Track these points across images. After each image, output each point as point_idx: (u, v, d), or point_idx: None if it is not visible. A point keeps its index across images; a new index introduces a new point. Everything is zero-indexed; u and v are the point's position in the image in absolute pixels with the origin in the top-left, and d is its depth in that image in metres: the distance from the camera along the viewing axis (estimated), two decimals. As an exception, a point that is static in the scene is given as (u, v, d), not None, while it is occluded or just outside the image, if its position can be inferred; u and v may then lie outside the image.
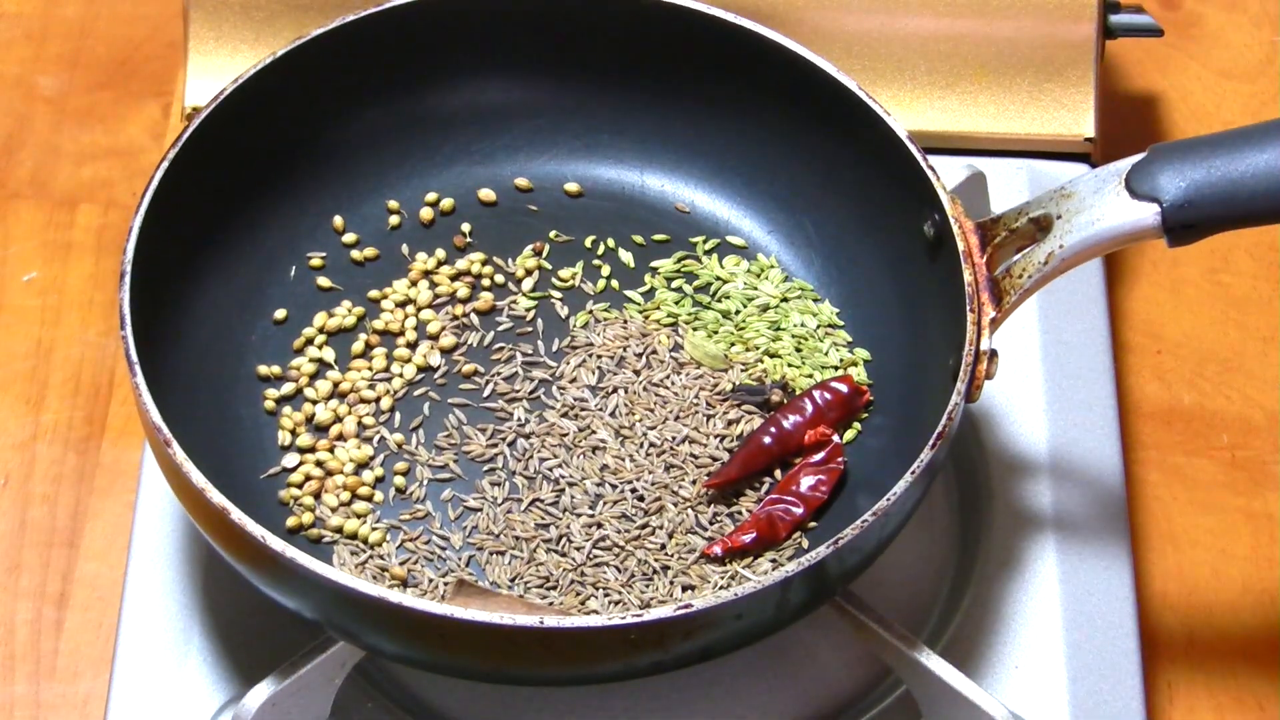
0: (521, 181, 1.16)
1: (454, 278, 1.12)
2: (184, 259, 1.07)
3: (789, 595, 0.95)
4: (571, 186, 1.16)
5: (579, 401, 1.07)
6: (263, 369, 1.08)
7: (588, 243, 1.14)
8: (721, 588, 1.00)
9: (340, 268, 1.13)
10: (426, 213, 1.14)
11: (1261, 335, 1.23)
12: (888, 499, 0.95)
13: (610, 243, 1.14)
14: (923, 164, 1.05)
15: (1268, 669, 1.11)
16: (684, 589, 1.01)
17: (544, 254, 1.14)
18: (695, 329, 1.10)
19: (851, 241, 1.12)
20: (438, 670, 1.01)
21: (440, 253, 1.13)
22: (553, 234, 1.14)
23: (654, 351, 1.09)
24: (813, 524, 1.03)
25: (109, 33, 1.34)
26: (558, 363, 1.09)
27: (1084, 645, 1.06)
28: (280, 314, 1.10)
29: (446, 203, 1.15)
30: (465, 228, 1.14)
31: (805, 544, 1.03)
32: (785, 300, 1.11)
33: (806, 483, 1.03)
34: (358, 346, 1.10)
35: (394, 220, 1.14)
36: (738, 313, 1.11)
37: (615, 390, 1.08)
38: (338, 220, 1.13)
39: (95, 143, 1.30)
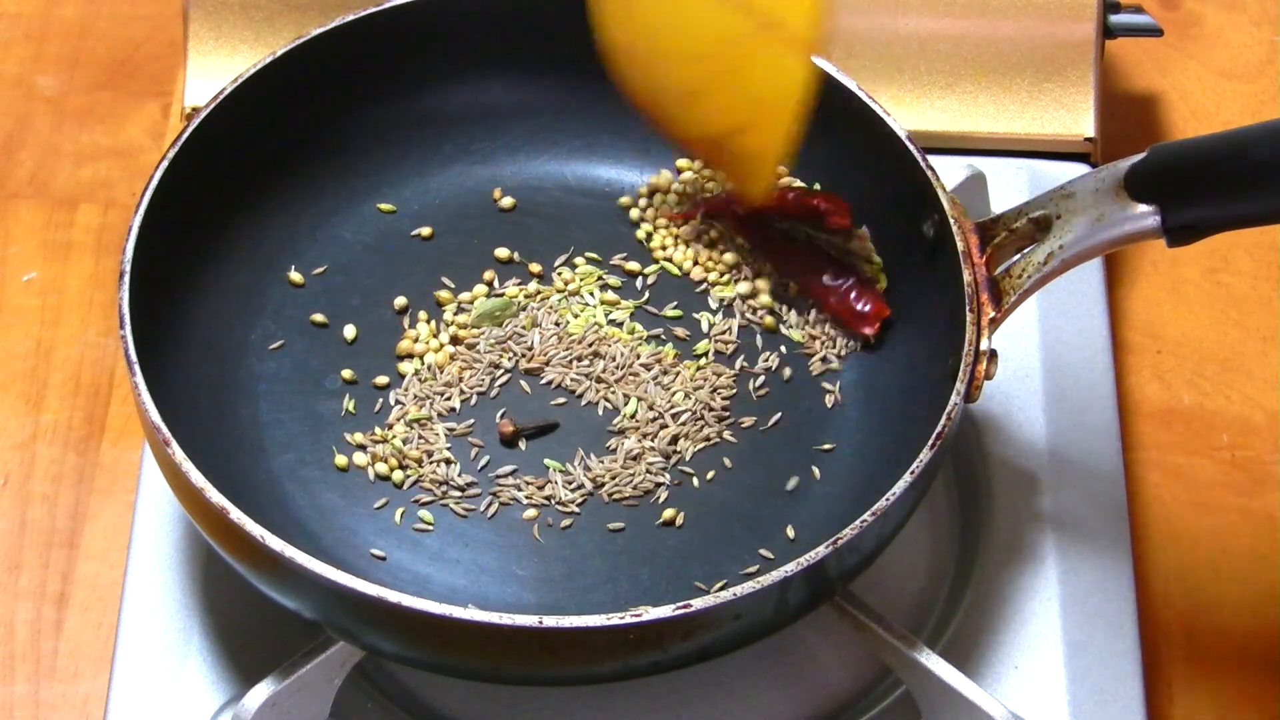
0: (521, 182, 1.16)
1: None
2: (184, 259, 1.07)
3: (788, 595, 0.95)
4: (571, 186, 1.16)
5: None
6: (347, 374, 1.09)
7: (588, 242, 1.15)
8: (720, 588, 1.00)
9: (340, 267, 1.13)
10: (426, 219, 1.15)
11: (1261, 335, 1.23)
12: (887, 499, 0.95)
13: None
14: (923, 164, 1.05)
15: (1268, 669, 1.11)
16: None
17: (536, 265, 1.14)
18: None
19: (851, 241, 1.12)
20: (438, 670, 1.01)
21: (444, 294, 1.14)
22: (556, 233, 1.15)
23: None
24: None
25: (109, 33, 1.34)
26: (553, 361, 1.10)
27: (1084, 645, 1.06)
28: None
29: (443, 204, 1.15)
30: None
31: (792, 534, 1.03)
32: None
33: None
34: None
35: (394, 220, 1.14)
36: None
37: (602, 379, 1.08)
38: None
39: (95, 143, 1.30)
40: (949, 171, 1.12)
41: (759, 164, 1.04)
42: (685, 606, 0.92)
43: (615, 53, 1.03)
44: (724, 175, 1.09)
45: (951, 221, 1.03)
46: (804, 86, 1.00)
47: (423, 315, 1.11)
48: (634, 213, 1.15)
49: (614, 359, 1.09)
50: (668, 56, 1.02)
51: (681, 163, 1.15)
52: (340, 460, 1.06)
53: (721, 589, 0.97)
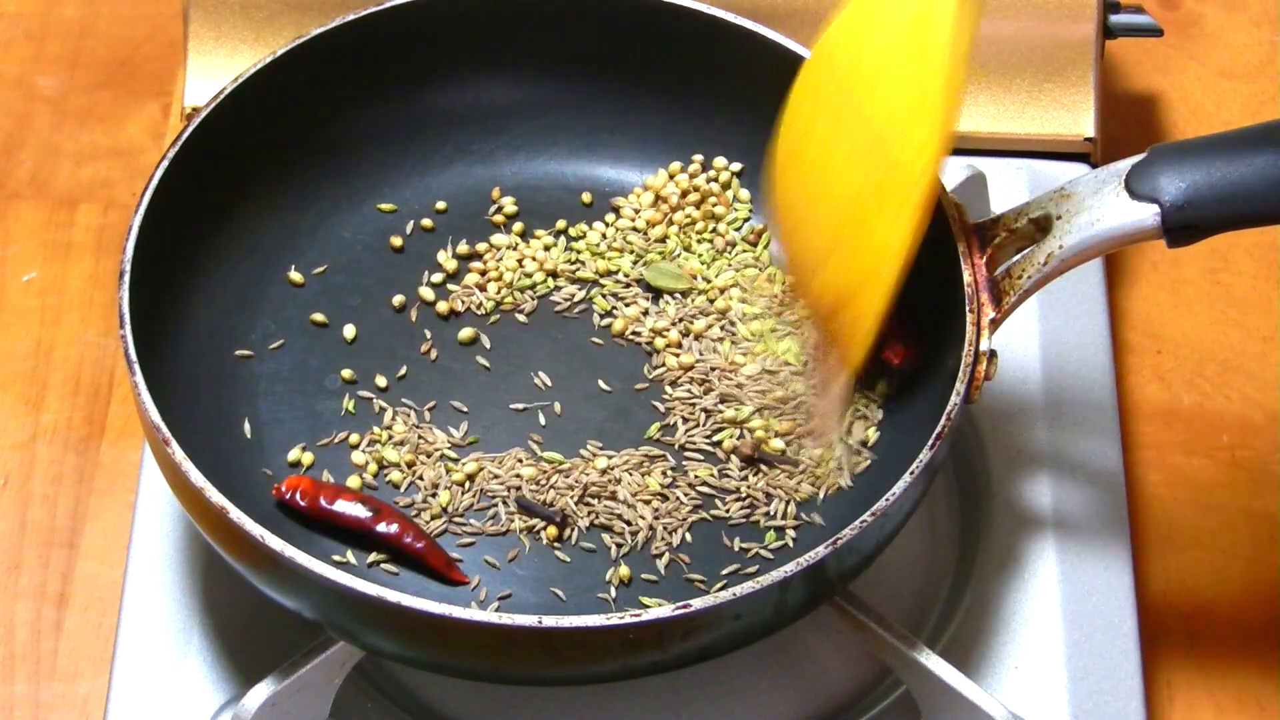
0: (521, 182, 1.16)
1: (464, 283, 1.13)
2: (183, 259, 1.07)
3: (787, 595, 0.95)
4: (571, 186, 1.16)
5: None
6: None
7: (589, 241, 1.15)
8: (720, 588, 1.00)
9: (340, 267, 1.13)
10: (426, 219, 1.14)
11: (1261, 335, 1.23)
12: (886, 499, 0.95)
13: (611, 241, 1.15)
14: (923, 164, 1.05)
15: (1268, 669, 1.11)
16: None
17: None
18: (650, 262, 1.11)
19: (851, 241, 1.12)
20: (437, 670, 1.01)
21: (442, 255, 1.13)
22: (560, 224, 1.15)
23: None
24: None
25: (109, 33, 1.34)
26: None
27: (1084, 645, 1.06)
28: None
29: (442, 204, 1.15)
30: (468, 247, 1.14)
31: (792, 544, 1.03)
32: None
33: None
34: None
35: (393, 220, 1.14)
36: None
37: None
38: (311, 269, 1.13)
39: (95, 143, 1.30)
40: (949, 171, 1.12)
41: (862, 328, 1.01)
42: (685, 606, 0.92)
43: (782, 220, 1.05)
44: (830, 342, 1.05)
45: (951, 222, 1.03)
46: (907, 251, 0.98)
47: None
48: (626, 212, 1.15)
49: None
50: (812, 218, 1.02)
51: (674, 166, 1.15)
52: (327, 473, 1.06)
53: (721, 589, 0.97)
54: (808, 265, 1.04)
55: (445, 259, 1.13)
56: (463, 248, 1.13)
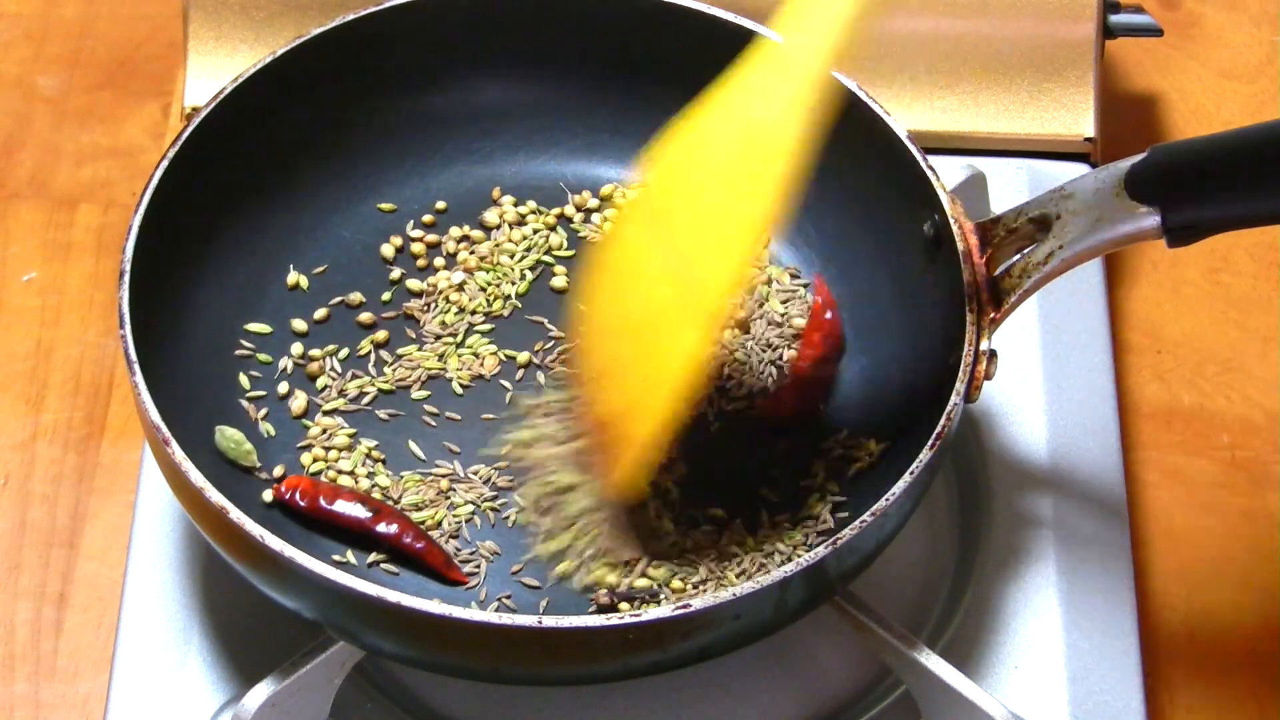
0: (521, 182, 1.16)
1: (455, 282, 1.13)
2: (183, 258, 1.07)
3: (787, 596, 0.95)
4: (572, 186, 1.16)
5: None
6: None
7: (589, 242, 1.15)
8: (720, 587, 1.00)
9: (340, 267, 1.13)
10: (427, 217, 1.15)
11: (1261, 335, 1.23)
12: (886, 499, 0.95)
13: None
14: (923, 164, 1.05)
15: (1268, 669, 1.11)
16: None
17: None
18: None
19: (851, 242, 1.12)
20: (437, 670, 1.01)
21: (439, 260, 1.13)
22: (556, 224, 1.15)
23: None
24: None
25: (109, 33, 1.34)
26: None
27: (1084, 645, 1.06)
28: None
29: (442, 204, 1.15)
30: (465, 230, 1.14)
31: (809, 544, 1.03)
32: None
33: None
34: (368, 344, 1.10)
35: (394, 220, 1.14)
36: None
37: None
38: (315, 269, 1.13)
39: (95, 143, 1.30)
40: (949, 171, 1.12)
41: (636, 451, 0.98)
42: (685, 606, 0.92)
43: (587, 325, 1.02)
44: (600, 466, 1.02)
45: (951, 221, 1.03)
46: (699, 369, 0.95)
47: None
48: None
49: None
50: (609, 328, 1.00)
51: None
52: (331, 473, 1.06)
53: (721, 589, 0.97)
54: (603, 370, 1.00)
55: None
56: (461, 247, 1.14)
